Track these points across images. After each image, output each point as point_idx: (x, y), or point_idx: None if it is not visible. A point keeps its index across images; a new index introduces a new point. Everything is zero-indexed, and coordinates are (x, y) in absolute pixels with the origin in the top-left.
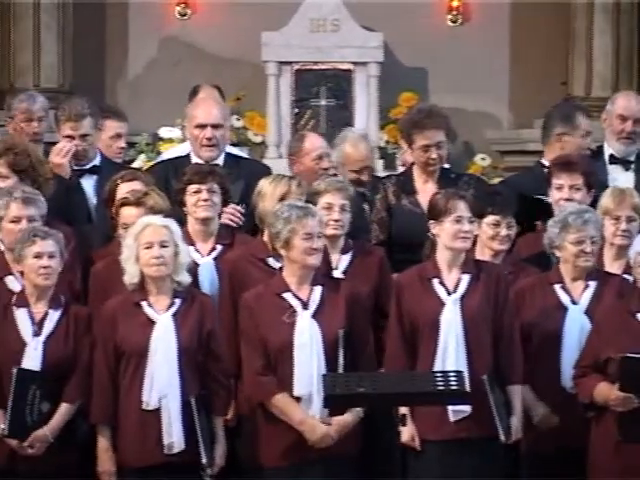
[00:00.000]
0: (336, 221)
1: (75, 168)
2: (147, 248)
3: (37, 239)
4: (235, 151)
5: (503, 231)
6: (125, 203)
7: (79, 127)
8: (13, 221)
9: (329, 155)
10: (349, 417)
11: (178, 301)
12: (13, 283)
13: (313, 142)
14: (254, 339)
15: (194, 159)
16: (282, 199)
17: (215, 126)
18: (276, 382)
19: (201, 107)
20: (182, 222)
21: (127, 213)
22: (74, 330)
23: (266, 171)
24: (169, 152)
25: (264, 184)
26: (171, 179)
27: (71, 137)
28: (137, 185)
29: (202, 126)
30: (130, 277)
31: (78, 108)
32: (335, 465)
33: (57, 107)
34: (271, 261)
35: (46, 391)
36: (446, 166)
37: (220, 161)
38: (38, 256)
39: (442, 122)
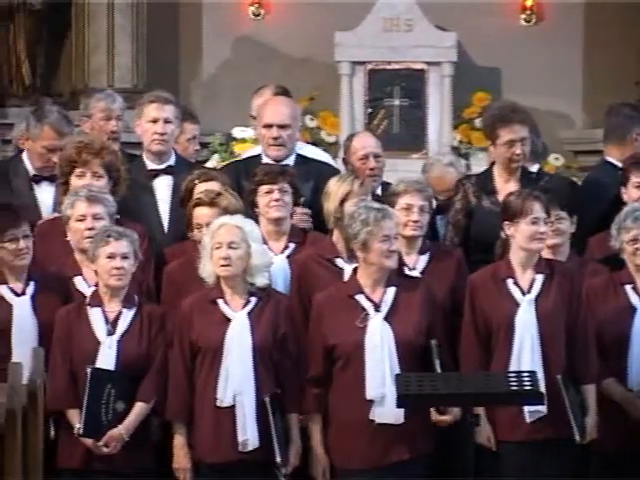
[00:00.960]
0: (415, 222)
1: (150, 168)
2: (217, 248)
3: (111, 239)
4: (307, 152)
5: (553, 225)
6: (199, 203)
7: (164, 110)
8: (79, 220)
9: (378, 156)
10: None
11: (253, 299)
12: (81, 284)
13: (361, 141)
14: (317, 345)
15: (265, 159)
16: (344, 199)
17: (282, 126)
18: (318, 399)
19: (269, 107)
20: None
21: (200, 213)
22: (148, 329)
23: (334, 173)
24: (248, 152)
25: (330, 184)
26: (242, 179)
27: (154, 121)
28: (214, 185)
29: (269, 126)
30: (207, 275)
31: (164, 94)
32: (410, 466)
33: (132, 107)
34: (339, 262)
35: (121, 390)
36: (534, 168)
37: (290, 161)
38: (111, 257)
39: (527, 117)
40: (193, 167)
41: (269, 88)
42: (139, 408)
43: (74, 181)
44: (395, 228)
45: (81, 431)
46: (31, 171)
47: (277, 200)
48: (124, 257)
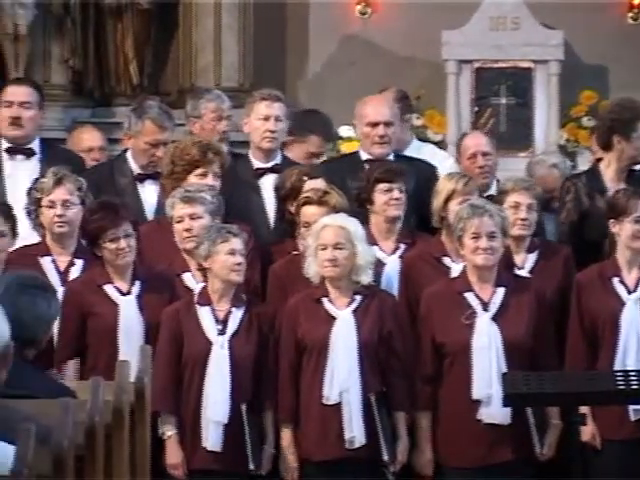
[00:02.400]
0: (523, 220)
1: (257, 167)
2: (322, 249)
3: (230, 236)
4: (426, 151)
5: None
6: (307, 202)
7: (274, 108)
8: (178, 221)
9: (487, 154)
10: None
11: (358, 298)
12: (190, 280)
13: (471, 140)
14: (426, 342)
15: (364, 156)
16: (449, 198)
17: (387, 124)
18: (428, 397)
19: (371, 105)
20: (362, 221)
21: (309, 212)
22: (257, 328)
23: (433, 172)
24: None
25: (439, 182)
26: (346, 177)
27: (265, 118)
28: (321, 183)
29: (374, 124)
30: (312, 274)
31: (275, 92)
32: (515, 467)
33: (238, 106)
34: (446, 260)
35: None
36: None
37: (391, 157)
38: (232, 253)
39: None
40: (298, 165)
41: (391, 91)
42: (270, 417)
43: (194, 181)
44: (493, 226)
45: (252, 466)
46: (135, 170)
47: (397, 199)
48: (242, 254)
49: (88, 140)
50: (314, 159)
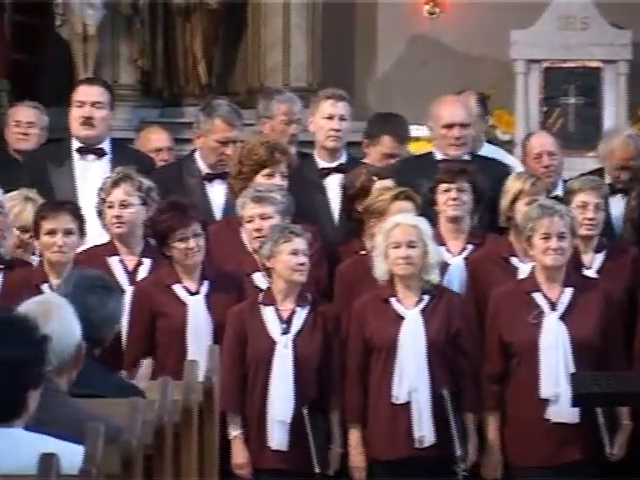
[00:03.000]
0: (590, 220)
1: (322, 167)
2: (395, 248)
3: (293, 236)
4: (488, 152)
5: None
6: (397, 197)
7: (339, 107)
8: (248, 221)
9: (553, 154)
10: None
11: (426, 297)
12: (261, 280)
13: (536, 140)
14: (493, 341)
15: (438, 156)
16: (516, 198)
17: (463, 125)
18: (496, 396)
19: (447, 106)
20: (433, 221)
21: (398, 208)
22: (322, 328)
23: (505, 171)
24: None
25: (507, 182)
26: (420, 177)
27: (330, 117)
28: (390, 183)
29: (450, 125)
30: (380, 274)
31: (339, 91)
32: (583, 467)
33: (308, 105)
34: (514, 260)
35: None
36: None
37: (466, 157)
38: (294, 253)
39: None
40: (364, 165)
41: (470, 93)
42: (337, 418)
43: (261, 181)
44: (563, 226)
45: (317, 469)
46: (204, 170)
47: (454, 199)
48: (304, 254)
49: (156, 141)
50: (389, 160)
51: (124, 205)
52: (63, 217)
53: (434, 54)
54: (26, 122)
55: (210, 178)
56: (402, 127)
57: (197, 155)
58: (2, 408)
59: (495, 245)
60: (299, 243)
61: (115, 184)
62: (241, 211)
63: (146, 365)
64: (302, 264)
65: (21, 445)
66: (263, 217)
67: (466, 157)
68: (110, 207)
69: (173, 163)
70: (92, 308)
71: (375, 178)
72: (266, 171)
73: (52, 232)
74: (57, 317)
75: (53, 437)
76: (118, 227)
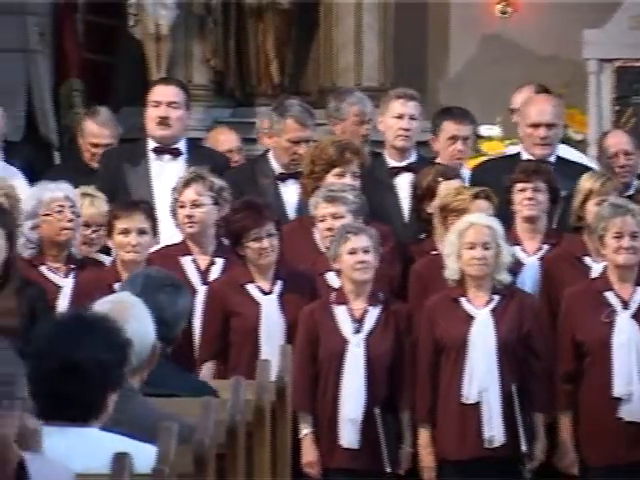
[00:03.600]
0: None
1: (392, 166)
2: (469, 249)
3: (350, 235)
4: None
5: None
6: (478, 196)
7: (409, 106)
8: (320, 220)
9: (629, 153)
10: None
11: (497, 297)
12: (334, 280)
13: (612, 139)
14: (566, 341)
15: (524, 157)
16: (586, 198)
17: (549, 125)
18: (569, 396)
19: (535, 105)
20: (509, 221)
21: (480, 207)
22: (394, 327)
23: (583, 172)
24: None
25: (580, 181)
26: (501, 177)
27: (400, 117)
28: (456, 183)
29: (536, 125)
30: (450, 273)
31: (410, 91)
32: None
33: (379, 105)
34: (587, 260)
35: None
36: None
37: (552, 159)
38: (353, 252)
39: None
40: (434, 165)
41: (530, 86)
42: (407, 417)
43: (331, 180)
44: (635, 225)
45: (389, 468)
46: (277, 170)
47: (530, 199)
48: (365, 251)
49: (225, 142)
50: (456, 144)
51: (196, 205)
52: (137, 217)
53: (506, 54)
54: (104, 144)
55: (283, 178)
56: (460, 110)
57: (270, 155)
58: (82, 409)
59: (569, 245)
60: (357, 241)
61: (187, 184)
62: (314, 211)
63: (208, 368)
64: (362, 262)
65: (96, 445)
66: (335, 217)
67: (551, 159)
68: (182, 207)
69: (246, 164)
70: (163, 307)
71: (440, 179)
72: (337, 170)
73: (126, 232)
74: (135, 317)
75: (127, 437)
76: (190, 227)
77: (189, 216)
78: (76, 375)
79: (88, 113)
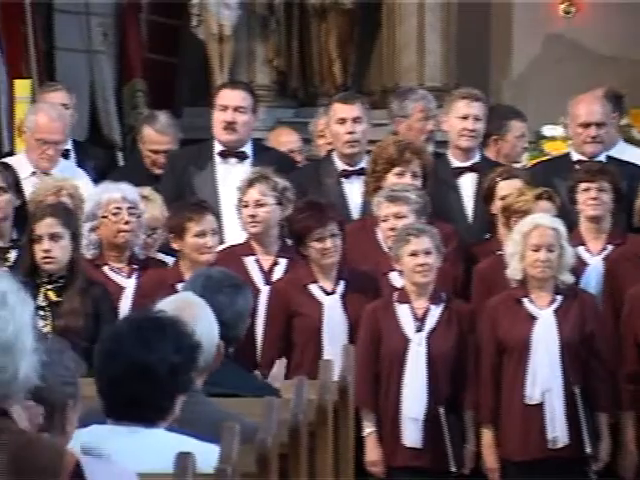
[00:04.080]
0: None
1: (455, 166)
2: (534, 250)
3: (411, 237)
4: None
5: None
6: (540, 197)
7: (474, 107)
8: (383, 220)
9: None
10: None
11: (559, 298)
12: (397, 280)
13: None
14: (629, 341)
15: (575, 157)
16: None
17: (599, 124)
18: (633, 396)
19: (584, 105)
20: (573, 221)
21: (543, 207)
22: (457, 326)
23: (635, 172)
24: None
25: None
26: (553, 178)
27: (464, 117)
28: (517, 183)
29: (586, 125)
30: (513, 273)
31: (474, 91)
32: None
33: (442, 105)
34: None
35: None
36: None
37: (602, 158)
38: (414, 254)
39: None
40: (498, 165)
41: (601, 90)
42: (470, 418)
43: (391, 180)
44: None
45: (454, 468)
46: (340, 167)
47: (594, 199)
48: (427, 253)
49: (287, 142)
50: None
51: (259, 204)
52: (210, 218)
53: (569, 53)
54: (163, 150)
55: (347, 175)
56: (520, 111)
57: (334, 155)
58: (152, 411)
59: (633, 245)
60: (418, 243)
61: (251, 184)
62: (376, 210)
63: (280, 365)
64: (422, 264)
65: (161, 445)
66: (398, 216)
67: (602, 157)
68: (245, 206)
69: (311, 164)
70: (222, 308)
71: (498, 179)
72: (397, 170)
73: (202, 234)
74: (202, 317)
75: (190, 436)
76: (253, 226)
77: (252, 215)
78: (147, 377)
79: (146, 119)
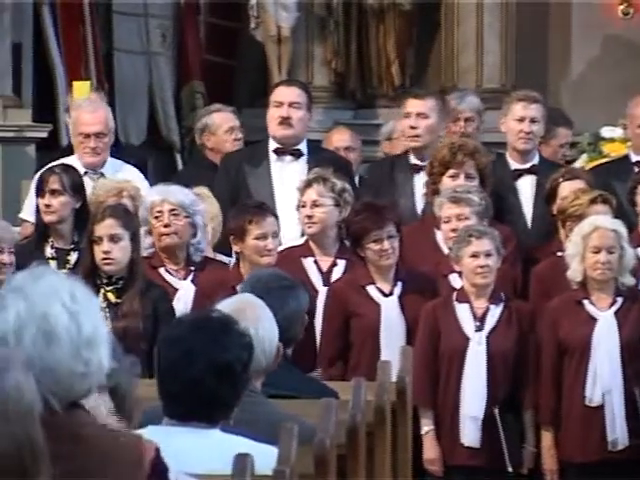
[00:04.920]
0: None
1: (514, 168)
2: (594, 252)
3: (472, 239)
4: None
5: None
6: (594, 200)
7: (531, 109)
8: (445, 221)
9: None
10: None
11: (620, 299)
12: (457, 281)
13: None
14: None
15: (634, 158)
16: None
17: None
18: None
19: None
20: (633, 222)
21: (596, 210)
22: (517, 325)
23: None
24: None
25: None
26: (613, 180)
27: (521, 119)
28: (579, 184)
29: None
30: (574, 274)
31: (532, 93)
32: None
33: (498, 108)
34: None
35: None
36: None
37: None
38: (475, 255)
39: None
40: (557, 167)
41: None
42: (530, 418)
43: (446, 182)
44: None
45: (510, 468)
46: (412, 161)
47: None
48: (487, 255)
49: (339, 140)
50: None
51: (316, 205)
52: (270, 220)
53: (628, 55)
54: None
55: (418, 168)
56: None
57: (410, 153)
58: (223, 411)
59: None
60: (479, 245)
61: (309, 184)
62: (438, 211)
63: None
64: (482, 266)
65: (218, 446)
66: (460, 218)
67: None
68: (303, 206)
69: (385, 159)
70: (273, 310)
71: (561, 179)
72: (451, 172)
73: (262, 236)
74: (264, 317)
75: (248, 437)
76: (309, 227)
77: (309, 216)
78: (227, 376)
79: (210, 110)
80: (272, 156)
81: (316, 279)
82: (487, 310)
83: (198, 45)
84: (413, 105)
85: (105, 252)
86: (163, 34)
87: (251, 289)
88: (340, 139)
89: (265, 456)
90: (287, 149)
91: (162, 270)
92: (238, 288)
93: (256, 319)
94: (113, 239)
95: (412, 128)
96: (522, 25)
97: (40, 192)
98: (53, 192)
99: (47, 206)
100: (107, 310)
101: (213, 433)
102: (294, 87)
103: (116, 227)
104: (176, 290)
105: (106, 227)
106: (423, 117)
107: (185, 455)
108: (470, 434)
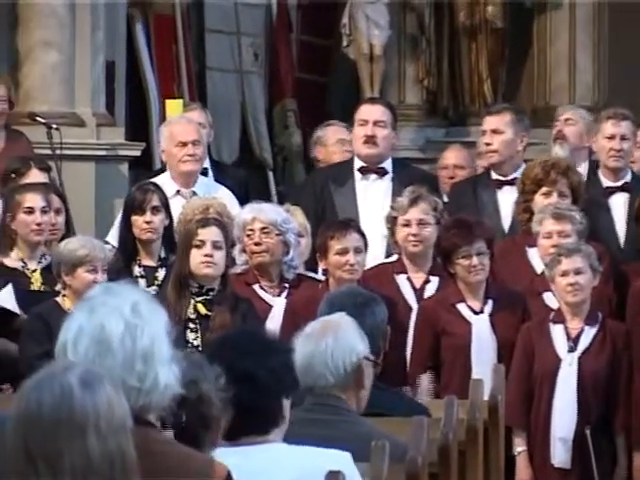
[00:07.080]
0: None
1: (606, 186)
2: None
3: (562, 258)
4: None
5: None
6: None
7: (620, 126)
8: (545, 237)
9: None
10: None
11: None
12: (551, 300)
13: None
14: None
15: None
16: None
17: None
18: None
19: None
20: None
21: None
22: (611, 346)
23: None
24: None
25: None
26: None
27: (611, 137)
28: None
29: None
30: None
31: (622, 110)
32: None
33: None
34: None
35: None
36: None
37: None
38: (564, 274)
39: None
40: None
41: None
42: (622, 442)
43: (539, 200)
44: None
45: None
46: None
47: None
48: (577, 273)
49: (454, 158)
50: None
51: (422, 223)
52: (353, 236)
53: None
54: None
55: (500, 184)
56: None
57: (492, 171)
58: (260, 416)
59: None
60: (569, 263)
61: (413, 202)
62: (537, 227)
63: (425, 379)
64: (572, 284)
65: (284, 460)
66: (561, 234)
67: None
68: (406, 225)
69: (469, 178)
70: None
71: None
72: (544, 190)
73: (344, 252)
74: (339, 335)
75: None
76: (415, 245)
77: (415, 234)
78: (249, 384)
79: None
80: (357, 174)
81: (410, 296)
82: (582, 331)
83: (290, 63)
84: (487, 122)
85: (207, 255)
86: (255, 52)
87: (328, 310)
88: (454, 156)
89: (334, 460)
90: (372, 167)
91: (256, 287)
92: (318, 310)
93: (333, 334)
94: (215, 245)
95: (487, 144)
96: (615, 42)
97: (139, 210)
98: (154, 209)
99: (148, 223)
100: (197, 322)
101: (275, 447)
102: (378, 105)
103: (219, 235)
104: (271, 307)
105: (211, 233)
106: (498, 133)
107: (250, 473)
108: (561, 455)
